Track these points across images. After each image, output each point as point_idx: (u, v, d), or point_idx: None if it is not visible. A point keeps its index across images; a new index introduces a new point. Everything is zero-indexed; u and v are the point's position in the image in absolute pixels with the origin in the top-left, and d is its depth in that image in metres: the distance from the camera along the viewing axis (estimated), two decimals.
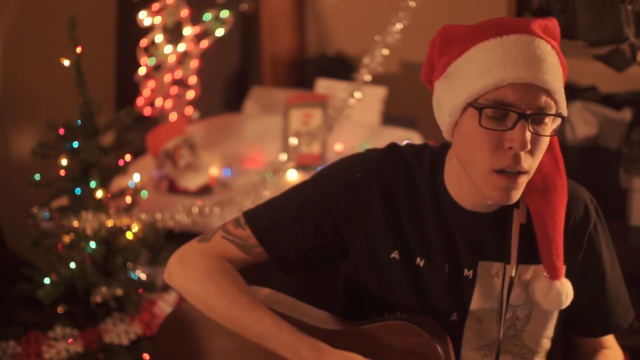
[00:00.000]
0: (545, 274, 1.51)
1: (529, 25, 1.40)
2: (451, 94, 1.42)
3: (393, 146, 1.60)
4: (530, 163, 1.40)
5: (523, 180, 1.41)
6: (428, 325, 1.50)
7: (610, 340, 1.66)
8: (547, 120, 1.39)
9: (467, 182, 1.47)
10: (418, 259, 1.54)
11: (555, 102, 1.39)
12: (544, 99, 1.37)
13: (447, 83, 1.44)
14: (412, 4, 2.46)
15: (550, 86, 1.37)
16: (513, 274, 1.51)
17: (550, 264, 1.49)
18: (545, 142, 1.41)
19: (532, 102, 1.36)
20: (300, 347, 1.49)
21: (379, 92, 3.57)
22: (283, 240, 1.59)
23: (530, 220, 1.51)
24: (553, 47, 1.41)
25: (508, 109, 1.36)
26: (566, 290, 1.50)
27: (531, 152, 1.39)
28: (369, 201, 1.55)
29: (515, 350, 1.56)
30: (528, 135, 1.36)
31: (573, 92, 3.14)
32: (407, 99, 3.75)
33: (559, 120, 1.41)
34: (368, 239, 1.56)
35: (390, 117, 3.59)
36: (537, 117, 1.38)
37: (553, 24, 1.44)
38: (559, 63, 1.42)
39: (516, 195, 1.42)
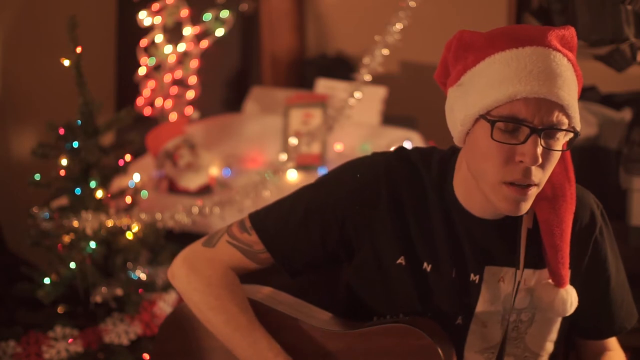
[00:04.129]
0: (550, 280, 1.50)
1: (545, 37, 1.38)
2: (464, 104, 1.42)
3: (401, 150, 1.59)
4: (540, 176, 1.39)
5: (533, 192, 1.41)
6: (430, 328, 1.50)
7: (612, 342, 1.66)
8: (560, 134, 1.38)
9: (476, 190, 1.46)
10: (425, 264, 1.53)
11: (569, 117, 1.38)
12: (557, 114, 1.36)
13: (461, 92, 1.43)
14: (412, 4, 2.46)
15: (564, 102, 1.35)
16: (520, 279, 1.50)
17: (556, 272, 1.49)
18: (556, 156, 1.40)
19: (545, 117, 1.35)
20: None
21: (379, 92, 3.56)
22: (290, 245, 1.58)
23: (537, 224, 1.51)
24: (569, 59, 1.39)
25: (520, 123, 1.35)
26: (571, 298, 1.50)
27: (542, 166, 1.38)
28: (376, 206, 1.54)
29: (517, 353, 1.56)
30: (539, 149, 1.36)
31: None
32: (407, 99, 3.76)
33: (571, 134, 1.40)
34: (374, 244, 1.55)
35: (390, 117, 3.58)
36: (550, 131, 1.37)
37: (570, 33, 1.42)
38: (575, 76, 1.40)
39: (525, 207, 1.41)
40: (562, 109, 1.36)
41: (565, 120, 1.38)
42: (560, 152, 1.40)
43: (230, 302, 1.56)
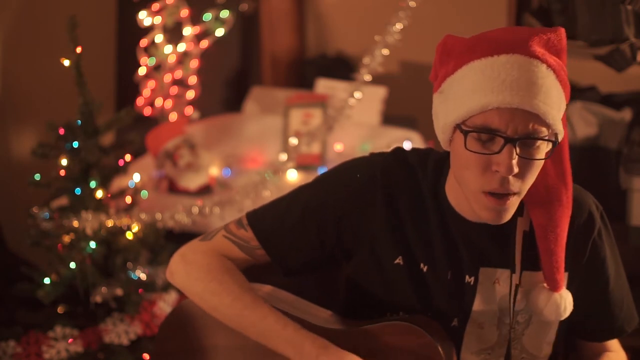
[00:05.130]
0: (545, 284, 1.50)
1: (524, 44, 1.35)
2: (444, 111, 1.41)
3: (398, 151, 1.59)
4: (519, 185, 1.37)
5: (513, 201, 1.39)
6: (430, 327, 1.50)
7: (613, 343, 1.65)
8: (539, 143, 1.36)
9: (464, 195, 1.46)
10: (422, 265, 1.53)
11: (547, 125, 1.35)
12: (532, 123, 1.33)
13: (442, 99, 1.43)
14: (412, 4, 2.46)
15: (539, 110, 1.32)
16: (518, 282, 1.50)
17: (550, 276, 1.49)
18: (537, 165, 1.38)
19: (519, 126, 1.33)
20: (305, 343, 1.48)
21: (379, 92, 3.57)
22: (285, 244, 1.58)
23: (533, 227, 1.50)
24: (549, 65, 1.35)
25: (494, 134, 1.34)
26: (565, 303, 1.49)
27: (520, 175, 1.36)
28: (373, 206, 1.54)
29: (515, 354, 1.56)
30: (515, 159, 1.34)
31: (573, 92, 3.13)
32: (407, 99, 3.75)
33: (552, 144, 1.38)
34: (371, 244, 1.55)
35: (390, 117, 3.58)
36: (527, 140, 1.35)
37: (558, 36, 1.39)
38: (557, 83, 1.36)
39: (507, 216, 1.41)
40: (538, 118, 1.33)
41: (543, 129, 1.35)
42: (541, 161, 1.38)
43: (233, 284, 1.55)
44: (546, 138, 1.36)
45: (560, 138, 1.39)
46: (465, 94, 1.36)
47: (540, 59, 1.35)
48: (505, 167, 1.34)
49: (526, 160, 1.36)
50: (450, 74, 1.40)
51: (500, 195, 1.37)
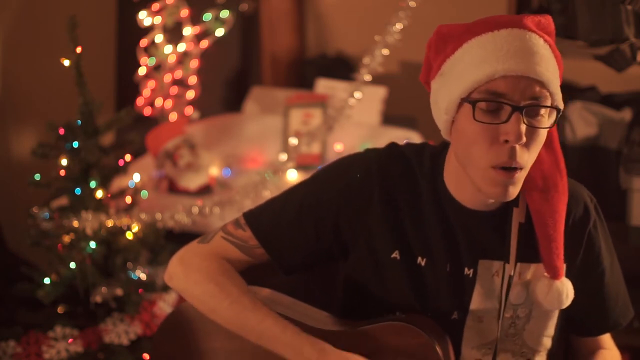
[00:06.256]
0: (545, 273, 1.51)
1: (521, 20, 1.40)
2: (446, 91, 1.43)
3: (393, 146, 1.60)
4: (526, 158, 1.39)
5: (520, 176, 1.41)
6: (427, 326, 1.50)
7: (608, 340, 1.66)
8: (543, 112, 1.39)
9: (466, 180, 1.47)
10: (419, 259, 1.54)
11: (550, 94, 1.39)
12: (537, 90, 1.37)
13: (442, 81, 1.44)
14: (412, 4, 2.46)
15: (543, 77, 1.37)
16: (512, 273, 1.51)
17: (550, 264, 1.49)
18: (541, 135, 1.41)
19: (525, 93, 1.36)
20: (304, 347, 1.49)
21: (379, 92, 3.57)
22: (284, 241, 1.58)
23: (530, 219, 1.51)
24: (546, 41, 1.41)
25: (501, 101, 1.36)
26: (566, 290, 1.50)
27: (527, 146, 1.39)
28: (369, 201, 1.55)
29: (515, 349, 1.56)
30: (523, 127, 1.36)
31: (573, 92, 3.14)
32: (407, 99, 3.75)
33: (555, 114, 1.41)
34: (368, 239, 1.56)
35: (390, 117, 3.58)
36: (532, 109, 1.37)
37: (547, 20, 1.44)
38: (553, 56, 1.41)
39: (514, 192, 1.42)
40: (542, 86, 1.37)
41: (547, 96, 1.39)
42: (545, 132, 1.41)
43: (231, 286, 1.56)
44: (550, 106, 1.39)
45: (561, 107, 1.42)
46: (470, 66, 1.39)
47: (537, 34, 1.40)
48: (514, 134, 1.36)
49: (532, 130, 1.38)
50: (449, 55, 1.43)
51: (509, 169, 1.39)
